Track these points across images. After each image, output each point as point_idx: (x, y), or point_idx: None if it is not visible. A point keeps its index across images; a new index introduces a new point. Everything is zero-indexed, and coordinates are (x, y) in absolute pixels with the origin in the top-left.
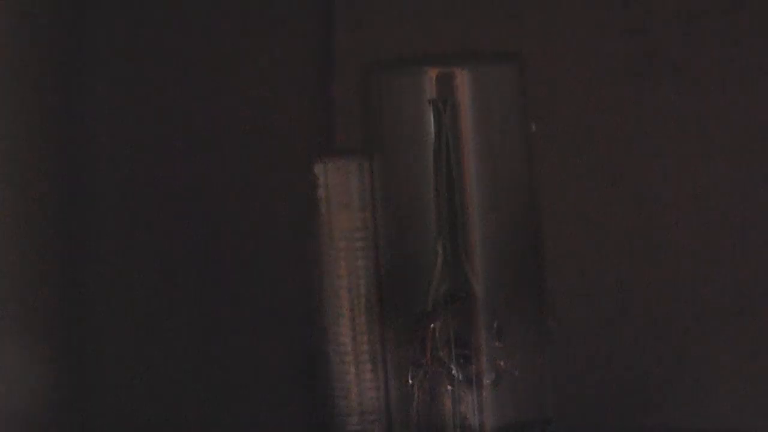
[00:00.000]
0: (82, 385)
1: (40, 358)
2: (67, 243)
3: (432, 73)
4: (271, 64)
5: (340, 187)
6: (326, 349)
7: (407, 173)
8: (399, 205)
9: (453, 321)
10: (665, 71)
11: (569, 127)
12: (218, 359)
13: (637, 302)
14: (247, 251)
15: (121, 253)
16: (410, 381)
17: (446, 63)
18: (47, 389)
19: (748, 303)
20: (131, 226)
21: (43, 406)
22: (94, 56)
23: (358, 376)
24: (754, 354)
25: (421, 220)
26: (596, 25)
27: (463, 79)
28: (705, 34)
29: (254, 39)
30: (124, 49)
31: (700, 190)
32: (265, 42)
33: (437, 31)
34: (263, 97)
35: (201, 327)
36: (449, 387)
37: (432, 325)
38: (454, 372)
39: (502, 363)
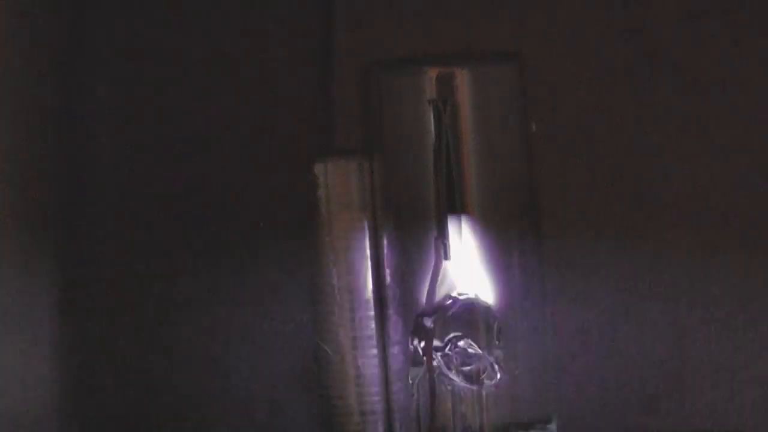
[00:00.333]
0: (82, 385)
1: (40, 358)
2: (67, 243)
3: (432, 73)
4: (271, 64)
5: (340, 187)
6: (326, 349)
7: (407, 173)
8: (399, 205)
9: (453, 321)
10: (665, 71)
11: (569, 127)
12: (218, 359)
13: (637, 302)
14: (247, 251)
15: (121, 253)
16: (410, 381)
17: (446, 63)
18: (47, 389)
19: (748, 303)
20: (131, 226)
21: (43, 406)
22: (94, 56)
23: (358, 376)
24: (755, 354)
25: (421, 220)
26: (596, 25)
27: (463, 79)
28: (705, 34)
29: (254, 39)
30: (124, 49)
31: (700, 189)
32: (265, 42)
33: (437, 31)
34: (263, 97)
35: (201, 327)
36: (449, 387)
37: (432, 326)
38: (454, 372)
39: (502, 363)
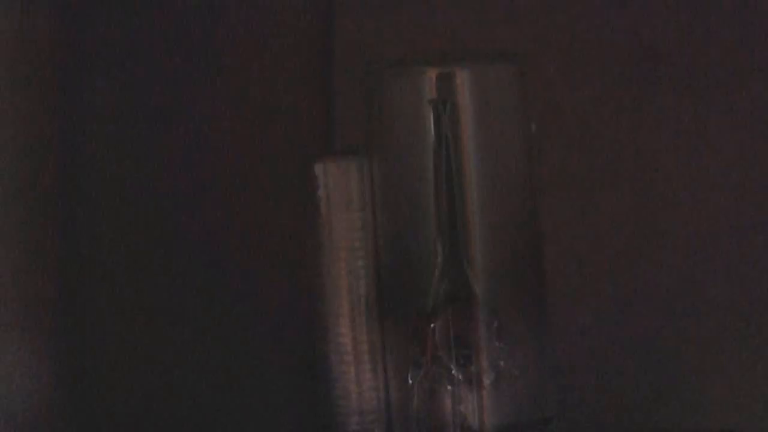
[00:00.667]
0: (82, 385)
1: (40, 358)
2: (67, 242)
3: (432, 73)
4: (272, 64)
5: (340, 187)
6: (326, 349)
7: (407, 173)
8: (399, 205)
9: (453, 321)
10: (665, 71)
11: (569, 127)
12: (218, 359)
13: (637, 302)
14: (246, 251)
15: (121, 253)
16: (410, 381)
17: (446, 63)
18: (47, 389)
19: (748, 303)
20: (131, 226)
21: (43, 406)
22: (94, 56)
23: (358, 376)
24: (754, 354)
25: (421, 220)
26: (596, 26)
27: (463, 79)
28: (705, 34)
29: (254, 38)
30: (124, 49)
31: (700, 190)
32: (265, 42)
33: (437, 31)
34: (263, 97)
35: (201, 327)
36: (449, 387)
37: (432, 325)
38: (454, 372)
39: (502, 363)
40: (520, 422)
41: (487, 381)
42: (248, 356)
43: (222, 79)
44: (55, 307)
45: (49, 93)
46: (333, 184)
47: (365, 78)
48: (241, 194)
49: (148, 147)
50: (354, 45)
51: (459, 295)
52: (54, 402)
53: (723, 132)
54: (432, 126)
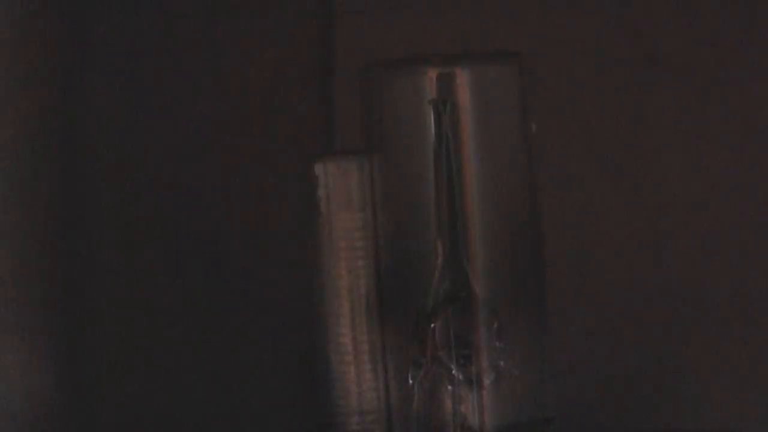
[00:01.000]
0: (82, 385)
1: (40, 358)
2: (67, 243)
3: (432, 73)
4: (271, 64)
5: (340, 187)
6: (326, 349)
7: (407, 173)
8: (399, 205)
9: (453, 321)
10: (665, 71)
11: (569, 127)
12: (218, 359)
13: (637, 302)
14: (246, 251)
15: (122, 253)
16: (410, 381)
17: (446, 63)
18: (47, 389)
19: (748, 304)
20: (131, 226)
21: (43, 406)
22: (94, 56)
23: (358, 376)
24: (754, 354)
25: (421, 220)
26: (596, 26)
27: (463, 79)
28: (705, 34)
29: (254, 39)
30: (124, 49)
31: (700, 190)
32: (265, 42)
33: (437, 31)
34: (263, 97)
35: (201, 327)
36: (449, 387)
37: (432, 325)
38: (454, 372)
39: (502, 363)
40: (520, 422)
41: (487, 381)
42: (248, 356)
43: (222, 79)
44: (55, 307)
45: (49, 93)
46: (333, 184)
47: (365, 78)
48: (241, 194)
49: (148, 147)
50: (354, 45)
51: (459, 295)
52: (54, 402)
53: (723, 132)
54: (432, 126)
